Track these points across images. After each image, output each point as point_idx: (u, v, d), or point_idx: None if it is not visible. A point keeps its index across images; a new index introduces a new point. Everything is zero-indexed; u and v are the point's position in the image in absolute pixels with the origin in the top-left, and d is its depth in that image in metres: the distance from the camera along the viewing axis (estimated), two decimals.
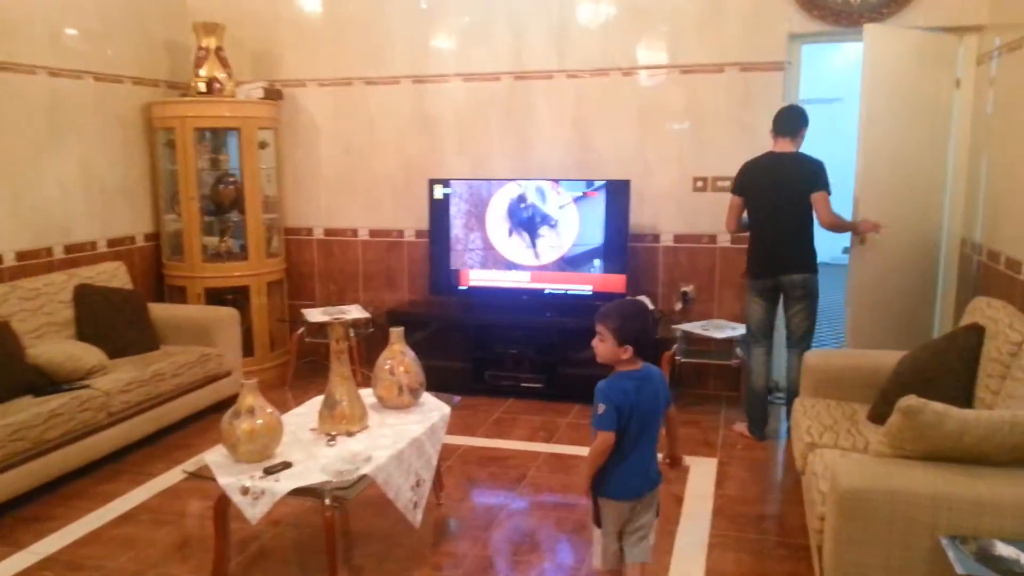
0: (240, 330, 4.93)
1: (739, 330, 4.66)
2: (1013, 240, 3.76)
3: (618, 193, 4.81)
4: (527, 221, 4.99)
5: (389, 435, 2.97)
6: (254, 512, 2.55)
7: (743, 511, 3.46)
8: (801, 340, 4.26)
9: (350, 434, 2.96)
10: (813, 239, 4.25)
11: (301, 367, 5.52)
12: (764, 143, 4.78)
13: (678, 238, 5.04)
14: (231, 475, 2.64)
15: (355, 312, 5.31)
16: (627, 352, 2.40)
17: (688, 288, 5.02)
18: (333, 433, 2.95)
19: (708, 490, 3.66)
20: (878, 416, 3.28)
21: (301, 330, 5.31)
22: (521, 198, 4.98)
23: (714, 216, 4.93)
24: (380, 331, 5.23)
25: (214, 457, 2.78)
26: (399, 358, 3.26)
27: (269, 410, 2.76)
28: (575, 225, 4.91)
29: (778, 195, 4.19)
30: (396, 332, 3.30)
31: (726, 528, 3.29)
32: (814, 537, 2.65)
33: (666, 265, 5.08)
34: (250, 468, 2.67)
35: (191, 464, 3.53)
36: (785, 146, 4.23)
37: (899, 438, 2.44)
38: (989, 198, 4.25)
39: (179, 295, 5.30)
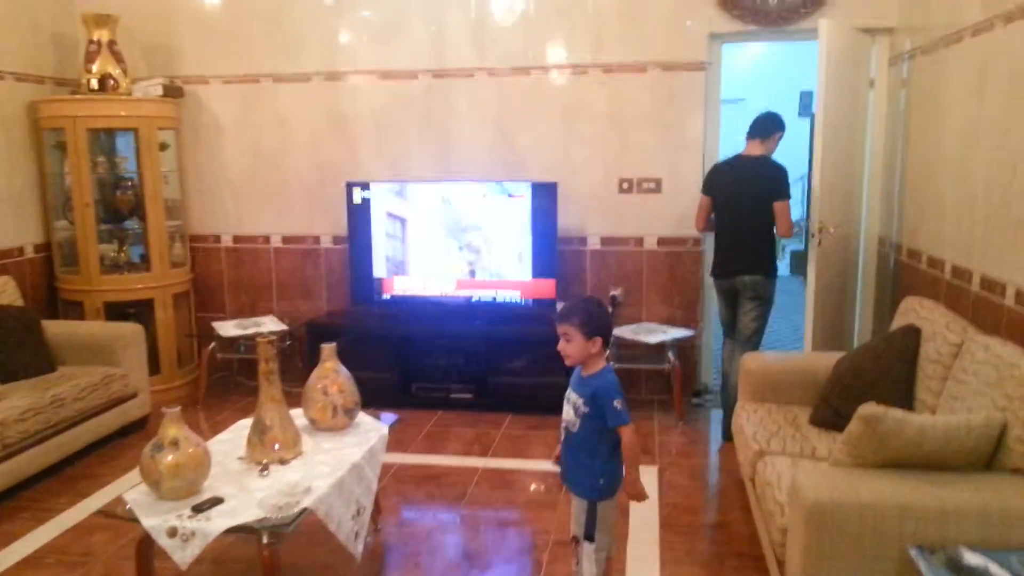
0: (145, 347, 4.58)
1: (670, 333, 4.63)
2: (933, 238, 3.84)
3: (545, 196, 4.70)
4: (451, 225, 4.82)
5: (327, 461, 2.76)
6: (184, 555, 2.31)
7: (691, 521, 3.40)
8: (747, 340, 4.27)
9: (283, 462, 2.74)
10: (770, 243, 4.28)
11: (213, 384, 5.19)
12: (687, 144, 4.80)
13: (605, 240, 4.97)
14: (155, 515, 2.38)
15: (270, 324, 5.02)
16: (596, 345, 2.44)
17: (617, 292, 4.95)
18: (265, 462, 2.72)
19: (652, 499, 3.58)
20: (820, 420, 3.28)
21: (212, 345, 4.99)
22: (444, 201, 4.81)
23: (640, 218, 4.90)
24: (297, 343, 4.98)
25: (134, 495, 2.50)
26: (332, 376, 3.05)
27: (196, 441, 2.51)
28: (501, 229, 4.78)
29: (738, 198, 4.24)
30: (328, 348, 3.09)
31: (676, 541, 3.22)
32: (774, 549, 2.60)
33: (594, 268, 5.00)
34: (176, 506, 2.42)
35: (106, 501, 3.22)
36: (754, 148, 4.27)
37: (859, 447, 2.41)
38: (907, 197, 4.34)
39: (75, 311, 4.89)
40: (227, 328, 4.94)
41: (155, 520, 2.35)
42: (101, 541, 3.21)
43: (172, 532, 2.32)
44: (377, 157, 5.12)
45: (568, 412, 2.47)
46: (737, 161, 4.34)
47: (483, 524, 3.41)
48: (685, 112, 4.79)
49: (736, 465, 3.81)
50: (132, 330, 4.50)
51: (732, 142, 5.22)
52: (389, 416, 3.28)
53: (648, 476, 3.84)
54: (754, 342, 4.29)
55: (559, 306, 2.51)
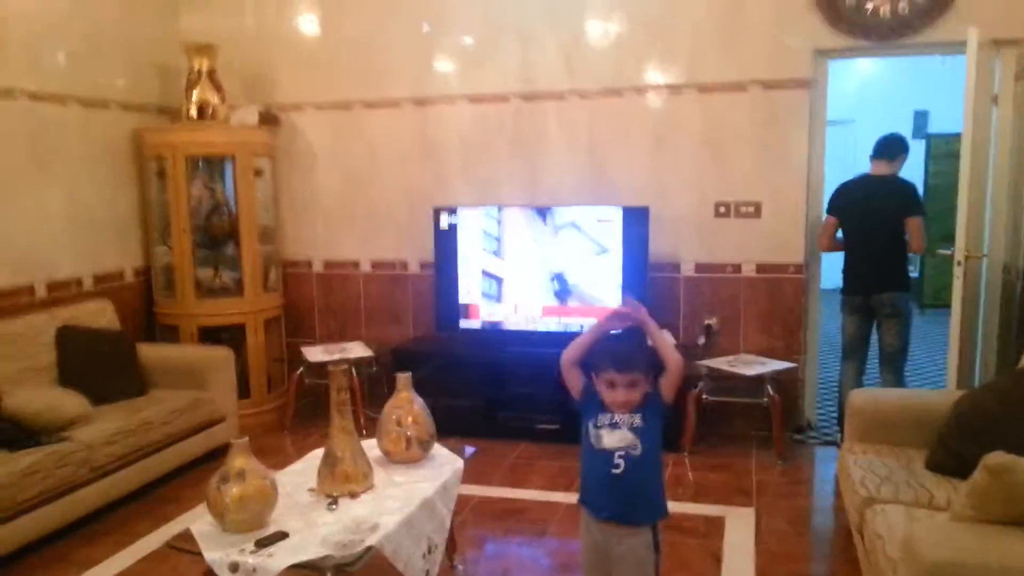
0: (235, 371, 4.61)
1: (769, 366, 4.35)
2: None
3: (636, 220, 4.52)
4: (539, 251, 4.69)
5: (397, 496, 2.64)
6: None
7: (790, 570, 3.13)
8: (892, 359, 4.36)
9: (353, 495, 2.64)
10: (905, 259, 4.34)
11: (301, 408, 5.19)
12: (790, 166, 4.53)
13: (700, 267, 4.74)
14: (219, 548, 2.31)
15: (357, 350, 5.00)
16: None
17: (712, 321, 4.71)
18: (334, 495, 2.62)
19: (748, 545, 3.32)
20: (937, 465, 2.97)
21: (301, 370, 4.99)
22: (533, 226, 4.69)
23: (738, 244, 4.65)
24: (383, 370, 4.92)
25: (200, 526, 2.45)
26: (407, 407, 2.94)
27: (263, 473, 2.44)
28: (591, 255, 4.61)
29: (871, 216, 4.28)
30: (403, 379, 2.99)
31: None
32: None
33: (687, 296, 4.77)
34: (240, 539, 2.35)
35: (176, 532, 3.20)
36: (881, 168, 4.37)
37: (986, 500, 2.12)
38: None
39: (171, 334, 4.99)
40: (315, 353, 4.94)
41: (218, 554, 2.28)
42: (176, 569, 3.19)
43: (234, 567, 2.24)
44: (465, 182, 5.05)
45: (616, 439, 2.29)
46: (866, 180, 4.42)
47: (563, 561, 3.22)
48: (787, 133, 4.53)
49: (844, 510, 3.51)
50: (223, 354, 4.54)
51: (840, 165, 4.96)
52: (467, 448, 3.14)
53: (745, 519, 3.58)
54: (900, 360, 4.33)
55: (604, 348, 2.33)
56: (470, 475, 4.10)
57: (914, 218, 4.19)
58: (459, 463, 2.98)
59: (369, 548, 2.30)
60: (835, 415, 4.74)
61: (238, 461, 2.41)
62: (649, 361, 2.30)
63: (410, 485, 2.73)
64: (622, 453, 2.28)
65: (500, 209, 4.75)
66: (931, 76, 8.08)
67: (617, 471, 2.28)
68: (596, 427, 2.32)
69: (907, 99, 9.22)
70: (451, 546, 3.14)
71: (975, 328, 4.49)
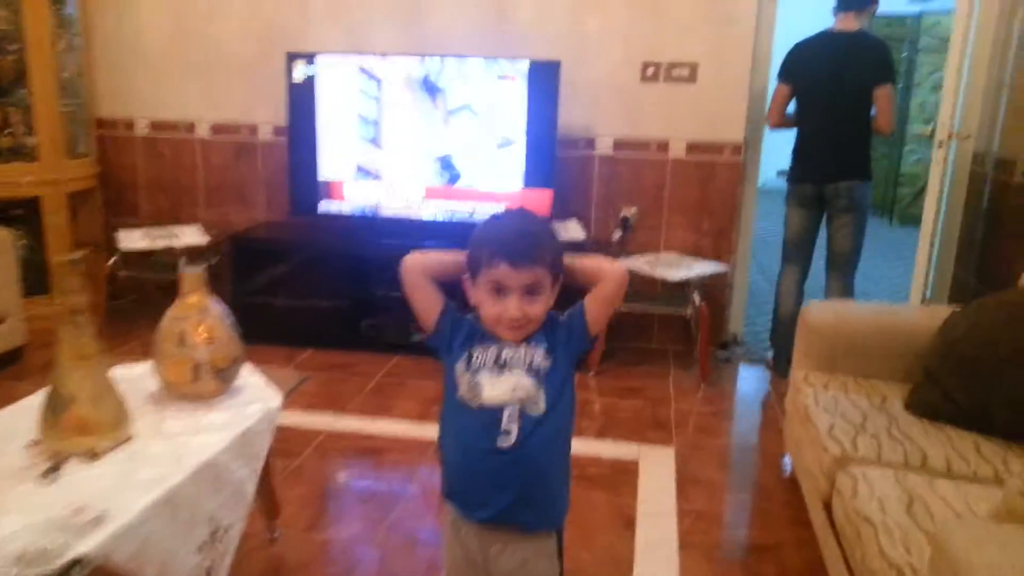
0: (16, 258, 3.53)
1: (696, 269, 3.56)
2: None
3: (544, 78, 3.56)
4: (419, 117, 3.70)
5: (162, 456, 1.73)
6: None
7: (723, 540, 2.40)
8: (843, 263, 3.58)
9: (94, 456, 1.71)
10: (868, 140, 3.47)
11: (119, 309, 4.16)
12: (736, 17, 3.64)
13: (620, 145, 3.85)
14: None
15: (188, 236, 3.96)
16: (555, 291, 1.47)
17: (630, 212, 3.86)
18: (61, 456, 1.69)
19: (667, 503, 2.58)
20: (922, 407, 2.24)
21: (114, 259, 3.93)
22: (411, 84, 3.68)
23: (667, 116, 3.77)
24: (227, 263, 3.92)
25: None
26: (197, 317, 1.99)
27: None
28: (482, 125, 3.66)
29: (832, 83, 3.44)
30: (192, 277, 2.02)
31: (704, 571, 2.22)
32: None
33: (602, 181, 3.90)
34: None
35: None
36: (848, 23, 3.44)
37: None
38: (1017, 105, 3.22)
39: None
40: (132, 239, 3.89)
41: None
42: None
43: None
44: (331, 24, 3.96)
45: (503, 388, 1.41)
46: (828, 38, 3.49)
47: (431, 526, 2.41)
48: None
49: (781, 443, 2.81)
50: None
51: (792, 22, 4.13)
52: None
53: (663, 463, 2.84)
54: (852, 263, 3.56)
55: (487, 234, 1.43)
56: (320, 400, 3.24)
57: (884, 87, 3.35)
58: (275, 400, 2.08)
59: (75, 562, 1.39)
60: (766, 329, 4.04)
61: None
62: (557, 253, 1.43)
63: (187, 438, 1.82)
64: (514, 412, 1.41)
65: (369, 58, 3.71)
66: None
67: (506, 443, 1.40)
68: (471, 369, 1.43)
69: None
70: (272, 509, 2.27)
71: (935, 232, 3.80)
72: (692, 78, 3.71)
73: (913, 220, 6.98)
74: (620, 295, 1.46)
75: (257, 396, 2.07)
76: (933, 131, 3.59)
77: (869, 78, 3.36)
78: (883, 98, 3.36)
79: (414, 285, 1.48)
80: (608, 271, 1.44)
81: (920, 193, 6.87)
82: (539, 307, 1.41)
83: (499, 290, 1.39)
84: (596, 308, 1.45)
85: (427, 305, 1.48)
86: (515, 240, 1.38)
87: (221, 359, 1.99)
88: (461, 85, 3.63)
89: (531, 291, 1.39)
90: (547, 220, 1.44)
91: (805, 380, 2.43)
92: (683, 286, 3.59)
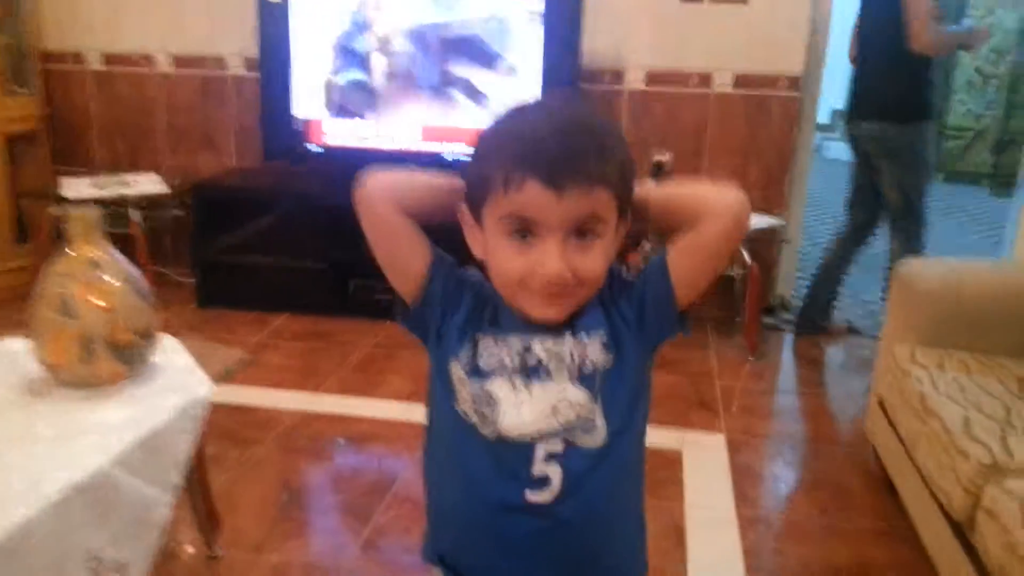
0: None
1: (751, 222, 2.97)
2: None
3: (563, 3, 2.96)
4: (418, 43, 3.10)
5: (17, 473, 1.18)
6: None
7: (806, 560, 1.84)
8: (896, 220, 2.99)
9: None
10: (902, 73, 2.79)
11: None
12: None
13: (653, 77, 3.25)
14: None
15: (145, 185, 3.39)
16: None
17: (665, 157, 3.25)
18: None
19: (724, 507, 2.03)
20: None
21: (54, 210, 3.36)
22: (407, 5, 3.08)
23: (710, 43, 3.18)
24: (194, 216, 3.37)
25: None
26: (87, 276, 1.43)
27: None
28: (492, 52, 3.06)
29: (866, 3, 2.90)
30: (79, 219, 1.45)
31: None
32: None
33: (633, 120, 3.30)
34: None
35: None
36: None
37: None
38: None
39: None
40: (78, 187, 3.31)
41: None
42: None
43: None
44: None
45: (544, 411, 0.84)
46: None
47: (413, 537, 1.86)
48: None
49: (857, 433, 2.26)
50: None
51: None
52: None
53: (714, 454, 2.29)
54: (907, 223, 2.94)
55: (505, 134, 0.84)
56: (293, 376, 2.69)
57: None
58: (201, 389, 1.51)
59: None
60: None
61: None
62: (626, 170, 0.84)
63: (63, 444, 1.26)
64: (555, 446, 0.84)
65: None
66: None
67: (543, 496, 0.84)
68: (478, 374, 0.86)
69: None
70: (210, 522, 1.73)
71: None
72: None
73: (963, 177, 6.37)
74: (734, 242, 0.87)
75: (178, 383, 1.51)
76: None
77: None
78: (913, 4, 2.66)
79: (380, 225, 0.89)
80: (715, 202, 0.85)
81: (972, 145, 6.26)
82: (596, 260, 0.82)
83: (526, 231, 0.81)
84: (691, 265, 0.86)
85: (402, 258, 0.90)
86: (555, 143, 0.78)
87: (122, 333, 1.43)
88: (464, 6, 3.03)
89: (583, 232, 0.81)
90: (609, 122, 0.88)
91: (912, 359, 1.85)
92: None
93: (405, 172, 0.90)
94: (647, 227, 0.90)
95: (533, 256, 0.80)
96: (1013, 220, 3.34)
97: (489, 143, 0.84)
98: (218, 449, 2.12)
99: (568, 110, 0.85)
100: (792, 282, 3.51)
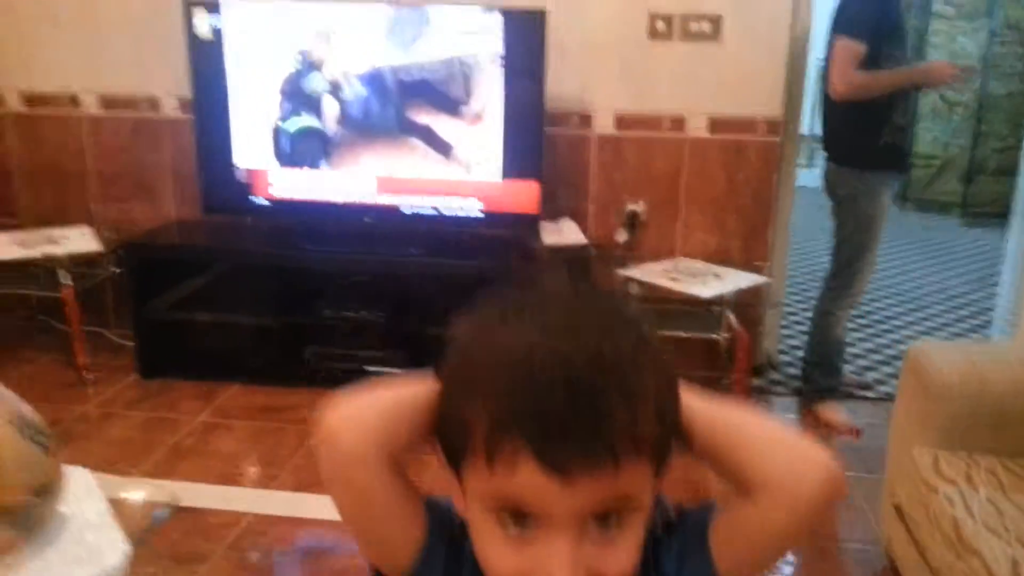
0: None
1: (729, 281, 2.77)
2: None
3: (525, 34, 2.74)
4: (374, 86, 2.85)
5: None
6: None
7: None
8: (829, 275, 2.86)
9: None
10: (839, 116, 2.71)
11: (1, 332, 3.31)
12: None
13: (623, 121, 3.03)
14: None
15: (77, 241, 3.09)
16: None
17: (637, 206, 3.06)
18: None
19: None
20: None
21: None
22: (353, 37, 2.83)
23: (683, 84, 2.98)
24: (129, 272, 3.07)
25: None
26: None
27: None
28: (453, 92, 2.83)
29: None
30: None
31: None
32: None
33: (602, 167, 3.08)
34: None
35: None
36: None
37: None
38: None
39: None
40: (4, 246, 3.00)
41: None
42: None
43: None
44: None
45: None
46: None
47: None
48: None
49: (866, 528, 2.05)
50: None
51: None
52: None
53: None
54: (838, 279, 2.81)
55: (486, 366, 0.59)
56: (240, 462, 2.42)
57: (835, 38, 2.59)
58: (114, 557, 1.25)
59: None
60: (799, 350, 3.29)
61: None
62: (668, 407, 0.60)
63: None
64: None
65: (294, 3, 2.84)
66: None
67: None
68: None
69: None
70: None
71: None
72: (715, 34, 2.90)
73: (931, 206, 6.30)
74: (807, 530, 0.64)
75: (88, 548, 1.24)
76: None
77: (833, 31, 2.63)
78: (832, 51, 2.60)
79: (355, 485, 0.65)
80: (789, 470, 0.61)
81: (939, 174, 6.18)
82: (627, 555, 0.59)
83: (522, 518, 0.58)
84: (741, 555, 0.64)
85: (385, 526, 0.66)
86: (561, 394, 0.55)
87: (10, 493, 1.16)
88: (419, 43, 2.79)
89: (605, 516, 0.58)
90: (635, 317, 0.62)
91: (936, 469, 1.65)
92: (716, 304, 2.81)
93: (374, 393, 0.65)
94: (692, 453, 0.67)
95: (533, 554, 0.57)
96: (1006, 256, 3.21)
97: (465, 368, 0.60)
98: (158, 570, 1.84)
99: (580, 317, 0.60)
100: (777, 337, 3.33)
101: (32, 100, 3.32)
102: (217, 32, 2.80)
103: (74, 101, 3.29)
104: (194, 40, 2.83)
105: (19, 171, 3.40)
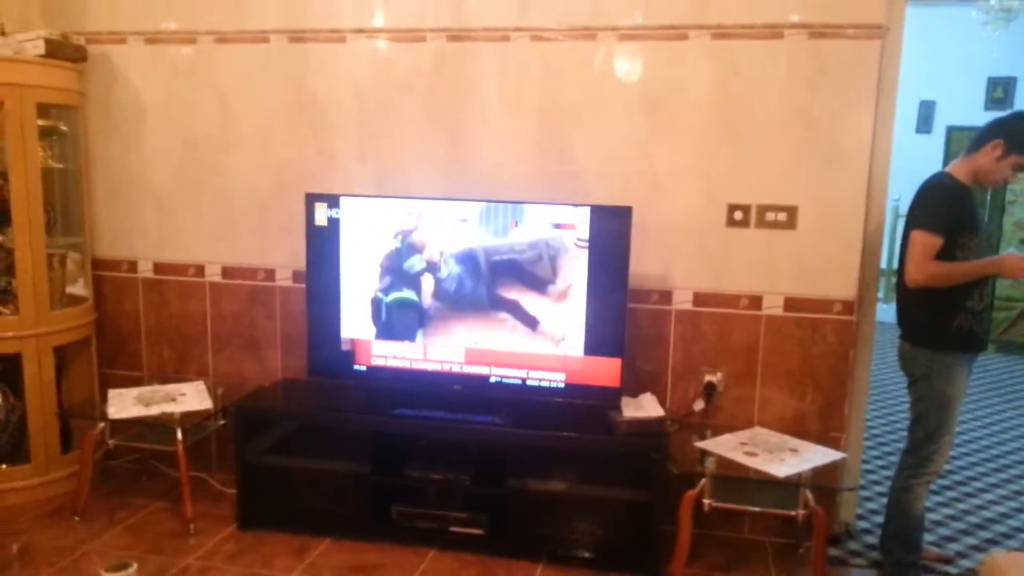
0: None
1: (808, 459, 2.85)
2: None
3: (611, 226, 2.97)
4: (467, 265, 3.11)
5: None
6: None
7: None
8: (906, 452, 2.95)
9: None
10: (912, 299, 2.84)
11: (108, 479, 3.58)
12: (844, 153, 3.05)
13: (701, 298, 3.21)
14: None
15: (192, 398, 3.38)
16: None
17: (715, 377, 3.20)
18: None
19: None
20: None
21: (101, 427, 3.33)
22: (454, 230, 3.11)
23: (760, 266, 3.15)
24: (237, 425, 3.34)
25: None
26: None
27: None
28: (540, 271, 3.06)
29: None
30: None
31: None
32: None
33: (681, 340, 3.25)
34: None
35: None
36: (954, 166, 2.87)
37: None
38: None
39: None
40: (124, 403, 3.31)
41: None
42: None
43: None
44: (359, 161, 3.42)
45: None
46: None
47: None
48: (844, 103, 3.00)
49: None
50: None
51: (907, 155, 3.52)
52: None
53: None
54: (913, 455, 2.90)
55: None
56: None
57: (913, 231, 2.76)
58: None
59: None
60: (878, 515, 3.30)
61: None
62: None
63: None
64: None
65: (403, 201, 3.15)
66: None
67: None
68: None
69: (976, 64, 7.86)
70: None
71: None
72: (791, 223, 3.08)
73: (1014, 347, 6.24)
74: None
75: None
76: None
77: (909, 224, 2.80)
78: (909, 245, 2.76)
79: None
80: None
81: (1019, 318, 6.15)
82: None
83: None
84: None
85: None
86: None
87: None
88: (510, 234, 3.05)
89: None
90: None
91: None
92: (794, 482, 2.88)
93: None
94: None
95: None
96: None
97: None
98: None
99: None
100: (854, 505, 3.36)
101: (161, 268, 3.70)
102: (333, 222, 3.14)
103: (199, 269, 3.66)
104: (312, 226, 3.17)
105: (146, 331, 3.76)
